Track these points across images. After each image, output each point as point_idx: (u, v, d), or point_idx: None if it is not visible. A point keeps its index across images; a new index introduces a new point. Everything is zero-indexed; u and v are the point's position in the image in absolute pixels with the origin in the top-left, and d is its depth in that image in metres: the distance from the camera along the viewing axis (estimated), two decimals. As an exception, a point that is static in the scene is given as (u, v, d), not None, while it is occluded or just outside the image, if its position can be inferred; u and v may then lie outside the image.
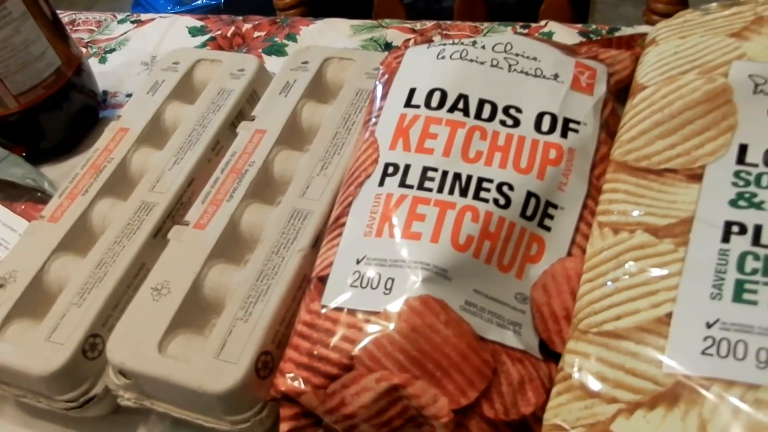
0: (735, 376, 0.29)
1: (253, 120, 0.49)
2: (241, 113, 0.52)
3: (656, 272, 0.33)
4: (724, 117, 0.36)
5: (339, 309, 0.36)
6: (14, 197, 0.57)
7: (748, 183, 0.34)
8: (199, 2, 1.51)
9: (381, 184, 0.39)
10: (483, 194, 0.38)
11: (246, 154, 0.47)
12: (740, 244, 0.32)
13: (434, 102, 0.41)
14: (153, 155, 0.50)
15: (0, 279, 0.44)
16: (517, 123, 0.40)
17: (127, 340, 0.39)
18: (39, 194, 0.56)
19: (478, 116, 0.41)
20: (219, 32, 0.69)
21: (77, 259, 0.45)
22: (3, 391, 0.43)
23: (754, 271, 0.31)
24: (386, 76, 0.45)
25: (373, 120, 0.43)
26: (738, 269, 0.31)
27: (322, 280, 0.38)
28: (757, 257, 0.31)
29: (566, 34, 0.60)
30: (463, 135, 0.40)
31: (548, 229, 0.38)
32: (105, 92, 0.65)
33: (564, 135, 0.40)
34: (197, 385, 0.37)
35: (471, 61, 0.43)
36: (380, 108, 0.43)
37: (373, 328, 0.34)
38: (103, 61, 0.69)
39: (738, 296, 0.31)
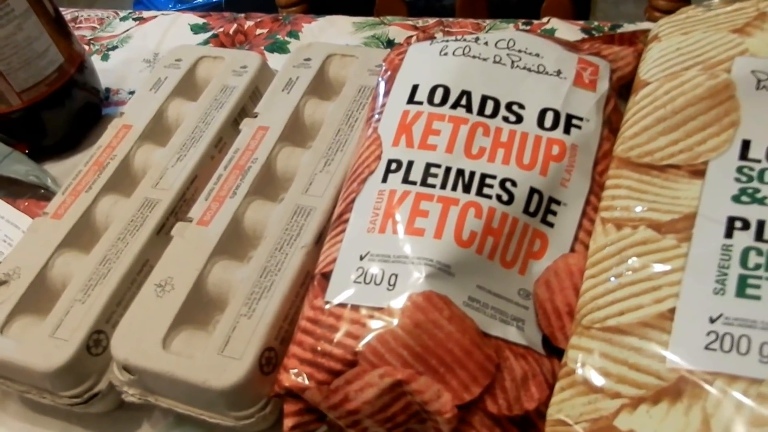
0: (738, 371, 0.29)
1: (255, 117, 0.49)
2: (244, 110, 0.52)
3: (659, 268, 0.33)
4: (727, 113, 0.36)
5: (342, 305, 0.36)
6: (17, 194, 0.57)
7: (750, 179, 0.34)
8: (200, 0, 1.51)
9: (384, 180, 0.39)
10: (486, 190, 0.38)
11: (249, 151, 0.47)
12: (743, 239, 0.32)
13: (437, 98, 0.41)
14: (156, 152, 0.50)
15: (4, 276, 0.44)
16: (519, 119, 0.40)
17: (131, 337, 0.39)
18: (42, 191, 0.57)
19: (481, 112, 0.41)
20: (221, 29, 0.69)
21: (81, 255, 0.45)
22: (7, 387, 0.43)
23: (757, 267, 0.31)
24: (389, 73, 0.45)
25: (376, 116, 0.43)
26: (741, 264, 0.31)
27: (326, 276, 0.38)
28: (760, 252, 0.31)
29: (568, 30, 0.61)
30: (466, 131, 0.40)
31: (551, 225, 0.38)
32: (107, 89, 0.65)
33: (567, 131, 0.40)
34: (201, 381, 0.37)
35: (474, 57, 0.43)
36: (383, 104, 0.43)
37: (376, 324, 0.34)
38: (105, 58, 0.69)
39: (741, 291, 0.31)
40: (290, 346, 0.37)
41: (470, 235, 0.36)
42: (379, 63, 0.49)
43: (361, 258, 0.37)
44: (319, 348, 0.35)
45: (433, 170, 0.39)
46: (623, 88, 0.43)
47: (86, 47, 0.69)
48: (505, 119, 0.40)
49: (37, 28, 0.54)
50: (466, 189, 0.38)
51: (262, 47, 0.66)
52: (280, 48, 0.66)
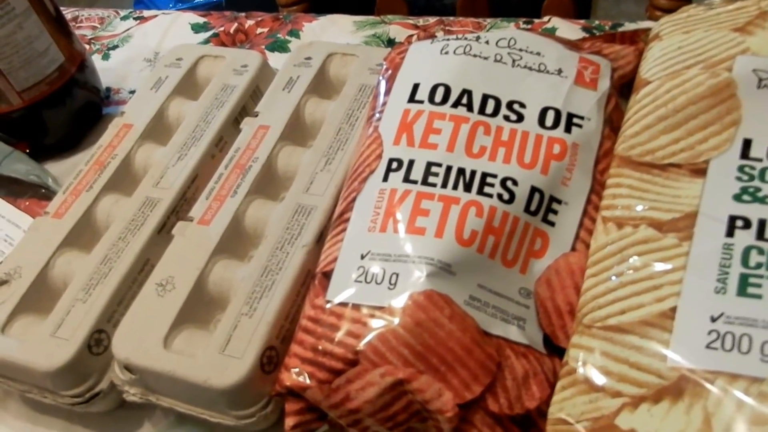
0: (739, 370, 0.29)
1: (256, 116, 0.49)
2: (245, 109, 0.52)
3: (660, 267, 0.33)
4: (728, 111, 0.36)
5: (343, 304, 0.36)
6: (18, 193, 0.57)
7: (752, 177, 0.34)
8: (201, -1, 1.51)
9: (385, 179, 0.39)
10: (487, 189, 0.38)
11: (250, 149, 0.47)
12: (744, 238, 0.32)
13: (438, 97, 0.41)
14: (157, 151, 0.50)
15: (5, 275, 0.44)
16: (520, 118, 0.40)
17: (132, 336, 0.39)
18: (43, 190, 0.57)
19: (481, 111, 0.41)
20: (222, 29, 0.69)
21: (82, 255, 0.45)
22: (8, 386, 0.43)
23: (759, 265, 0.31)
24: (390, 72, 0.45)
25: (377, 115, 0.43)
26: (742, 263, 0.31)
27: (327, 275, 0.38)
28: (761, 251, 0.31)
29: (569, 29, 0.60)
30: (467, 130, 0.40)
31: (552, 224, 0.38)
32: (108, 89, 0.65)
33: (568, 130, 0.40)
34: (202, 380, 0.37)
35: (474, 56, 0.43)
36: (384, 103, 0.43)
37: (377, 323, 0.34)
38: (106, 57, 0.69)
39: (742, 290, 0.31)
40: (291, 345, 0.37)
41: (471, 234, 0.36)
42: (380, 62, 0.49)
43: (362, 257, 0.37)
44: (320, 347, 0.35)
45: (434, 169, 0.39)
46: (624, 86, 0.42)
47: (87, 46, 0.69)
48: (506, 118, 0.40)
49: (38, 28, 0.54)
50: (467, 188, 0.38)
51: (263, 46, 0.66)
52: (281, 47, 0.66)
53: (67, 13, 0.74)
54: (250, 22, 0.69)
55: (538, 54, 0.43)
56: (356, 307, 0.35)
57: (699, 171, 0.35)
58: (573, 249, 0.38)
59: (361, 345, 0.34)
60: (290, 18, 0.69)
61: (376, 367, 0.34)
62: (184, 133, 0.50)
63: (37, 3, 0.54)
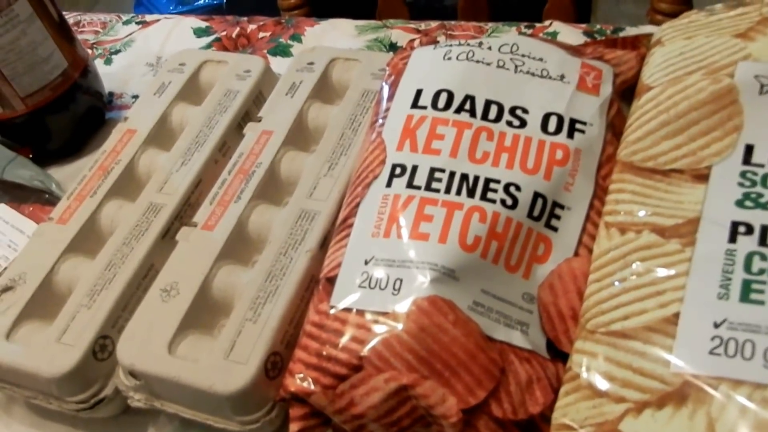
0: (743, 376, 0.29)
1: (259, 121, 0.49)
2: (248, 114, 0.52)
3: (663, 272, 0.33)
4: (730, 117, 0.36)
5: (348, 309, 0.36)
6: (22, 199, 0.57)
7: (754, 183, 0.34)
8: (201, 2, 1.51)
9: (388, 185, 0.39)
10: (490, 195, 0.38)
11: (253, 155, 0.47)
12: (747, 244, 0.32)
13: (441, 103, 0.41)
14: (160, 156, 0.50)
15: (9, 281, 0.44)
16: (523, 124, 0.41)
17: (136, 341, 0.40)
18: (47, 196, 0.57)
19: (484, 117, 0.41)
20: (224, 33, 0.69)
21: (86, 260, 0.45)
22: (13, 392, 0.43)
23: (761, 272, 0.31)
24: (393, 77, 0.45)
25: (380, 121, 0.43)
26: (745, 269, 0.31)
27: (331, 280, 0.38)
28: (764, 257, 0.31)
29: (571, 34, 0.61)
30: (470, 136, 0.40)
31: (555, 229, 0.38)
32: (111, 93, 0.65)
33: (570, 135, 0.40)
34: (207, 386, 0.37)
35: (477, 62, 0.43)
36: (387, 109, 0.43)
37: (381, 329, 0.35)
38: (108, 62, 0.69)
39: (745, 296, 0.31)
40: (295, 351, 0.37)
41: (474, 240, 0.37)
42: (383, 67, 0.50)
43: (366, 262, 0.37)
44: (324, 352, 0.35)
45: (437, 175, 0.39)
46: (626, 92, 0.43)
47: (89, 51, 0.70)
48: (509, 124, 0.41)
49: (42, 33, 0.54)
50: (471, 193, 0.38)
51: (265, 50, 0.66)
52: (283, 51, 0.66)
53: (70, 17, 0.74)
54: (252, 27, 0.69)
55: (541, 59, 0.43)
56: (360, 312, 0.36)
57: (701, 177, 0.35)
58: (576, 254, 0.38)
59: (365, 350, 0.34)
60: (292, 22, 0.69)
61: (380, 373, 0.34)
62: (188, 138, 0.50)
63: (40, 9, 0.54)
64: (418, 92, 0.42)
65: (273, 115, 0.50)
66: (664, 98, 0.38)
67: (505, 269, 0.37)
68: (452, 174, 0.39)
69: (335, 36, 0.67)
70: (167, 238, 0.45)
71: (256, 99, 0.53)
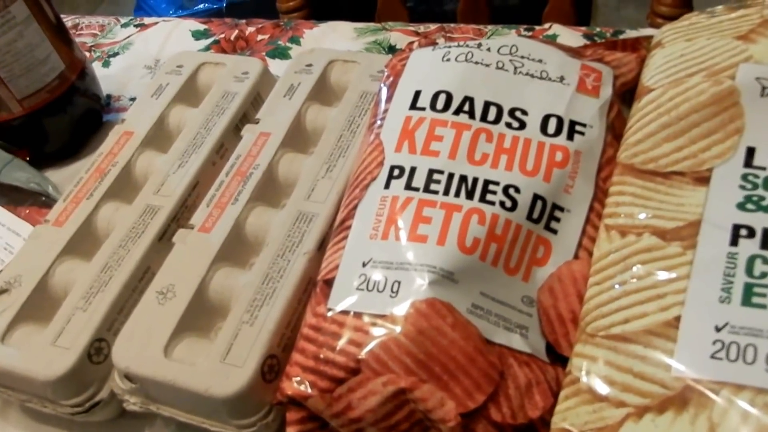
0: (744, 380, 0.28)
1: (257, 123, 0.49)
2: (246, 116, 0.52)
3: (664, 275, 0.33)
4: (731, 119, 0.36)
5: (345, 312, 0.36)
6: (18, 201, 0.57)
7: (755, 186, 0.33)
8: (201, 6, 1.51)
9: (387, 186, 0.39)
10: (489, 197, 0.38)
11: (251, 157, 0.47)
12: (749, 247, 0.32)
13: (440, 104, 0.41)
14: (157, 159, 0.50)
15: (5, 284, 0.44)
16: (523, 125, 0.40)
17: (132, 344, 0.39)
18: (43, 198, 0.56)
19: (483, 118, 0.40)
20: (222, 35, 0.69)
21: (82, 263, 0.45)
22: (8, 395, 0.43)
23: (763, 275, 0.31)
24: (391, 79, 0.45)
25: (378, 122, 0.43)
26: (747, 273, 0.31)
27: (328, 283, 0.38)
28: (766, 261, 0.31)
29: (570, 36, 0.60)
30: (469, 137, 0.40)
31: (555, 231, 0.38)
32: (108, 96, 0.65)
33: (570, 137, 0.40)
34: (203, 389, 0.37)
35: (476, 63, 0.43)
36: (385, 110, 0.43)
37: (379, 332, 0.34)
38: (106, 64, 0.69)
39: (747, 300, 0.30)
40: (293, 354, 0.37)
41: (473, 242, 0.36)
42: (381, 69, 0.49)
43: (364, 265, 0.37)
44: (321, 356, 0.35)
45: (435, 176, 0.39)
46: (626, 94, 0.42)
47: (87, 54, 0.69)
48: (508, 125, 0.40)
49: (39, 35, 0.54)
50: (469, 195, 0.38)
51: (264, 53, 0.66)
52: (282, 54, 0.66)
53: (68, 20, 0.74)
54: (250, 29, 0.69)
55: (540, 61, 0.43)
56: (358, 315, 0.35)
57: (702, 179, 0.35)
58: (576, 257, 0.38)
59: (363, 353, 0.34)
60: (291, 25, 0.69)
61: (378, 376, 0.34)
62: (185, 140, 0.50)
63: (38, 11, 0.54)
64: (417, 93, 0.42)
65: (271, 117, 0.49)
66: (665, 100, 0.38)
67: (504, 272, 0.37)
68: (451, 175, 0.38)
69: (334, 38, 0.67)
70: (164, 240, 0.45)
71: (254, 101, 0.53)
